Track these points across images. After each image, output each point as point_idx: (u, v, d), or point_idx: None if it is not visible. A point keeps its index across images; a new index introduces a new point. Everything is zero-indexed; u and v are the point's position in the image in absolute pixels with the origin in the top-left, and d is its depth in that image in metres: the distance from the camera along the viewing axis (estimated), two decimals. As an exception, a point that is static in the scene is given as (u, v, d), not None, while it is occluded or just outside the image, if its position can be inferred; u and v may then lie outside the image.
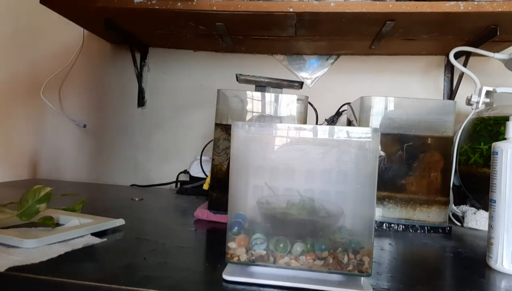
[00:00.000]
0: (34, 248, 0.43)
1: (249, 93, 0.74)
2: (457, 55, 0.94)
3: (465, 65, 0.95)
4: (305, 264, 0.38)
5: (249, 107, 0.73)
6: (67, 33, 1.22)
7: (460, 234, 0.71)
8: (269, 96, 0.74)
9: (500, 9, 0.75)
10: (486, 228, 0.66)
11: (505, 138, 0.49)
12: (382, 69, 1.09)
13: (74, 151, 1.21)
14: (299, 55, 1.12)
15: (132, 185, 1.15)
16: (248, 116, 0.73)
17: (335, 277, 0.39)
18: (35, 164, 1.24)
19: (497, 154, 0.48)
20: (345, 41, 1.01)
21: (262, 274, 0.39)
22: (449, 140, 0.72)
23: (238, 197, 0.41)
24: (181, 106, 1.18)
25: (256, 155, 0.41)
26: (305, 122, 0.77)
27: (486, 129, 0.80)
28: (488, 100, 0.82)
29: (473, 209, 0.78)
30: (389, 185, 0.71)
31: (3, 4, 1.28)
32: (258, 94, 0.74)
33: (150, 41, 1.14)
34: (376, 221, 0.70)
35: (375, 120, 0.72)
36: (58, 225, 0.54)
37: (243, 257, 0.39)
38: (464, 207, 0.81)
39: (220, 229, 0.63)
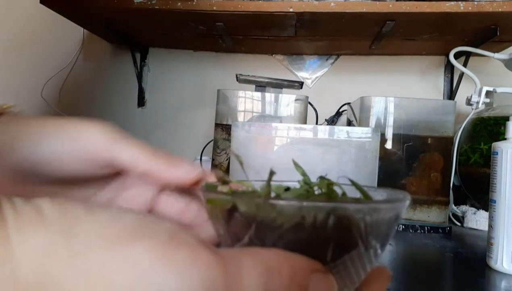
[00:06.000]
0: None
1: (248, 93, 0.74)
2: (457, 55, 0.94)
3: (465, 65, 0.95)
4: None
5: (249, 107, 0.73)
6: (67, 33, 1.22)
7: (460, 234, 0.71)
8: (269, 96, 0.75)
9: (500, 9, 0.75)
10: (486, 228, 0.66)
11: (505, 138, 0.49)
12: (382, 69, 1.09)
13: (74, 151, 1.21)
14: (299, 55, 1.12)
15: (132, 185, 1.15)
16: (248, 116, 0.73)
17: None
18: (35, 164, 1.24)
19: (497, 154, 0.48)
20: (345, 41, 1.01)
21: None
22: (449, 141, 0.72)
23: (238, 197, 0.41)
24: (181, 106, 1.18)
25: (256, 155, 0.41)
26: (305, 122, 0.77)
27: (486, 129, 0.80)
28: (488, 100, 0.82)
29: (473, 209, 0.78)
30: (389, 185, 0.71)
31: (3, 4, 1.28)
32: (258, 94, 0.74)
33: (150, 41, 1.14)
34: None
35: (375, 121, 0.72)
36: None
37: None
38: (464, 207, 0.81)
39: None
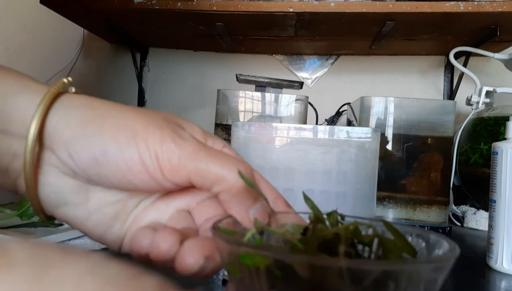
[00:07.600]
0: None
1: (248, 93, 0.74)
2: (457, 55, 0.94)
3: (465, 65, 0.95)
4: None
5: (249, 107, 0.73)
6: (67, 33, 1.22)
7: (460, 234, 0.71)
8: (269, 96, 0.75)
9: (500, 9, 0.75)
10: (486, 228, 0.66)
11: (505, 138, 0.49)
12: (382, 69, 1.09)
13: (74, 151, 1.21)
14: (299, 55, 1.12)
15: (132, 185, 1.15)
16: (248, 116, 0.73)
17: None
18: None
19: (497, 154, 0.48)
20: (345, 41, 1.01)
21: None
22: (449, 141, 0.72)
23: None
24: (181, 106, 1.18)
25: (256, 155, 0.41)
26: (305, 122, 0.77)
27: (486, 129, 0.80)
28: (488, 100, 0.82)
29: (473, 209, 0.78)
30: (389, 185, 0.71)
31: (3, 4, 1.28)
32: (258, 94, 0.74)
33: (150, 41, 1.14)
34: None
35: (375, 121, 0.72)
36: (58, 225, 0.54)
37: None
38: (464, 207, 0.81)
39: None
